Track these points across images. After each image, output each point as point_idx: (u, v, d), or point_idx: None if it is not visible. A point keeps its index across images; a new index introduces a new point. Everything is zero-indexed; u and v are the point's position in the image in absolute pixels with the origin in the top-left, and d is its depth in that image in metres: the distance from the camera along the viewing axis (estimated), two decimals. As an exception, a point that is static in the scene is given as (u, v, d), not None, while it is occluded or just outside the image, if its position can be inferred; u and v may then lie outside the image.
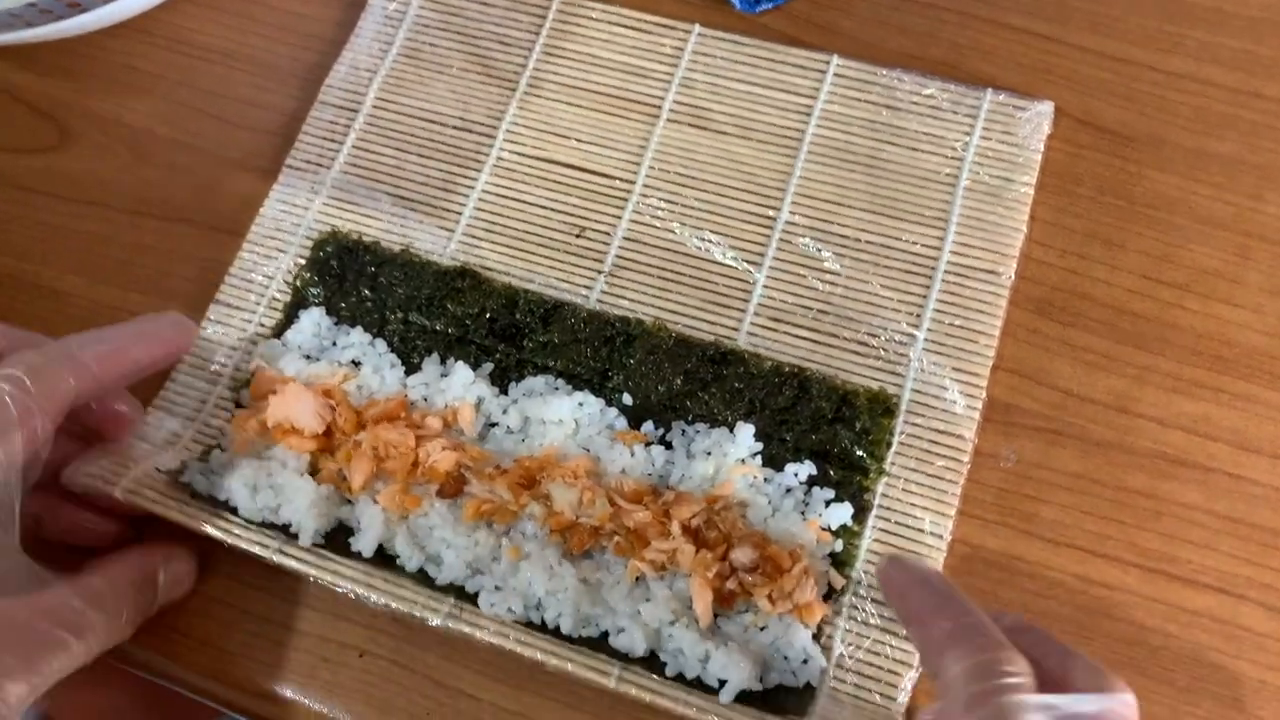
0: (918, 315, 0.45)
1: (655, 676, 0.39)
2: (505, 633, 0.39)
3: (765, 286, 0.47)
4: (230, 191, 0.51)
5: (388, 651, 0.43)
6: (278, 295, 0.48)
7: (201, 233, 0.50)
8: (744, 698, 0.38)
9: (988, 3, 0.51)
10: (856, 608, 0.41)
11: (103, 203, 0.52)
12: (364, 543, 0.42)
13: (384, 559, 0.42)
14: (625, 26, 0.52)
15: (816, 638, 0.40)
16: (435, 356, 0.46)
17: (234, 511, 0.42)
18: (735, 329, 0.46)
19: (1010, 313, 0.45)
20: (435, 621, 0.40)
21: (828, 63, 0.50)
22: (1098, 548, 0.42)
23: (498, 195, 0.49)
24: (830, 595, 0.41)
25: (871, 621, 0.40)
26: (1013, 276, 0.46)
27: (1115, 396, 0.44)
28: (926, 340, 0.45)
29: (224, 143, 0.52)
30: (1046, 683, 0.31)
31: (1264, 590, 0.41)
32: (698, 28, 0.51)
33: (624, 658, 0.39)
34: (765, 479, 0.43)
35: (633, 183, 0.49)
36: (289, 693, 0.42)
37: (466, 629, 0.39)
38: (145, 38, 0.55)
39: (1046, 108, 0.48)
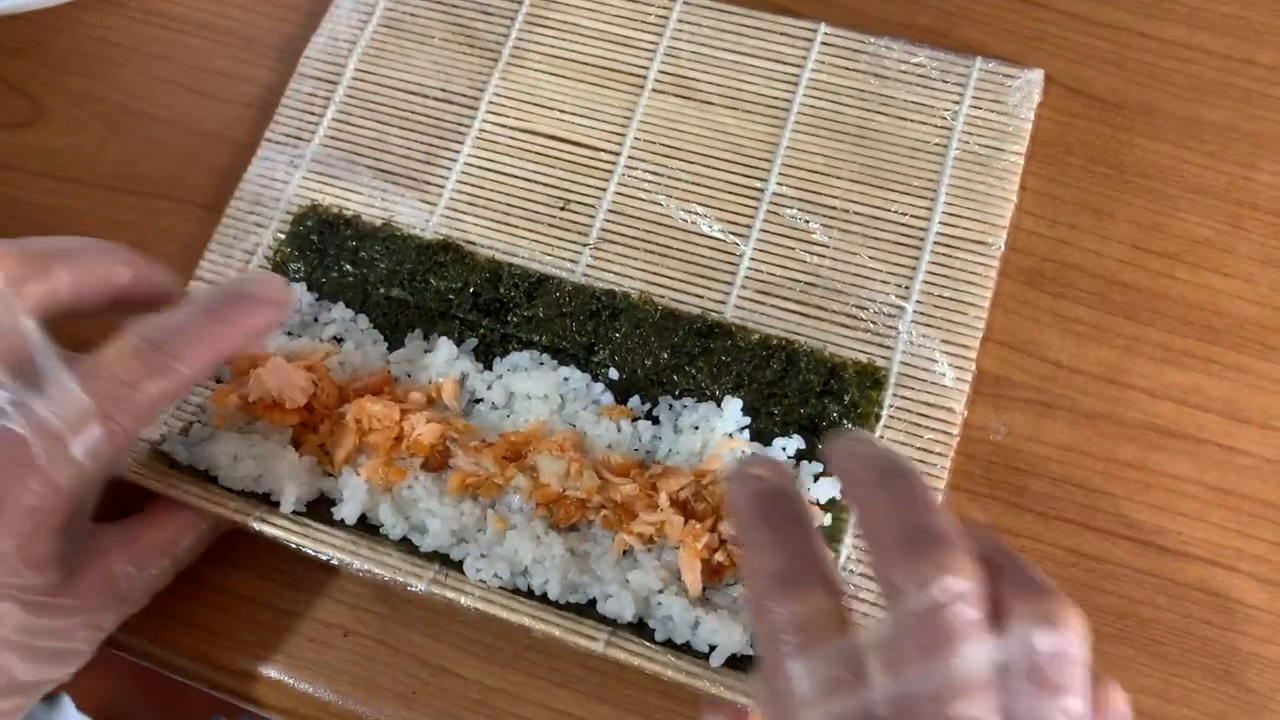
0: (906, 287, 0.45)
1: (644, 642, 0.38)
2: (491, 598, 0.39)
3: (752, 259, 0.46)
4: (209, 166, 0.50)
5: (373, 631, 0.42)
6: (258, 271, 0.47)
7: (180, 208, 0.50)
8: (735, 663, 0.38)
9: (977, -31, 0.51)
10: (846, 581, 0.40)
11: (78, 179, 0.51)
12: (346, 511, 0.41)
13: (367, 528, 0.42)
14: None
15: None
16: (418, 332, 0.45)
17: (214, 481, 0.42)
18: (722, 302, 0.45)
19: (1000, 284, 0.45)
20: (419, 587, 0.39)
21: (815, 31, 0.49)
22: (1088, 520, 0.42)
23: (480, 168, 0.49)
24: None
25: (861, 596, 0.40)
26: (1002, 247, 0.45)
27: (1105, 368, 0.44)
28: (915, 312, 0.44)
29: (201, 116, 0.51)
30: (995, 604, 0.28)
31: (1255, 562, 0.41)
32: None
33: (612, 624, 0.39)
34: (753, 453, 0.42)
35: (618, 154, 0.48)
36: (275, 673, 0.42)
37: (451, 595, 0.39)
38: (119, 10, 0.54)
39: (1036, 76, 0.47)
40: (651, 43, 0.50)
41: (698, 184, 0.47)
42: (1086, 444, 0.43)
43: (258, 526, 0.40)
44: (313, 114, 0.50)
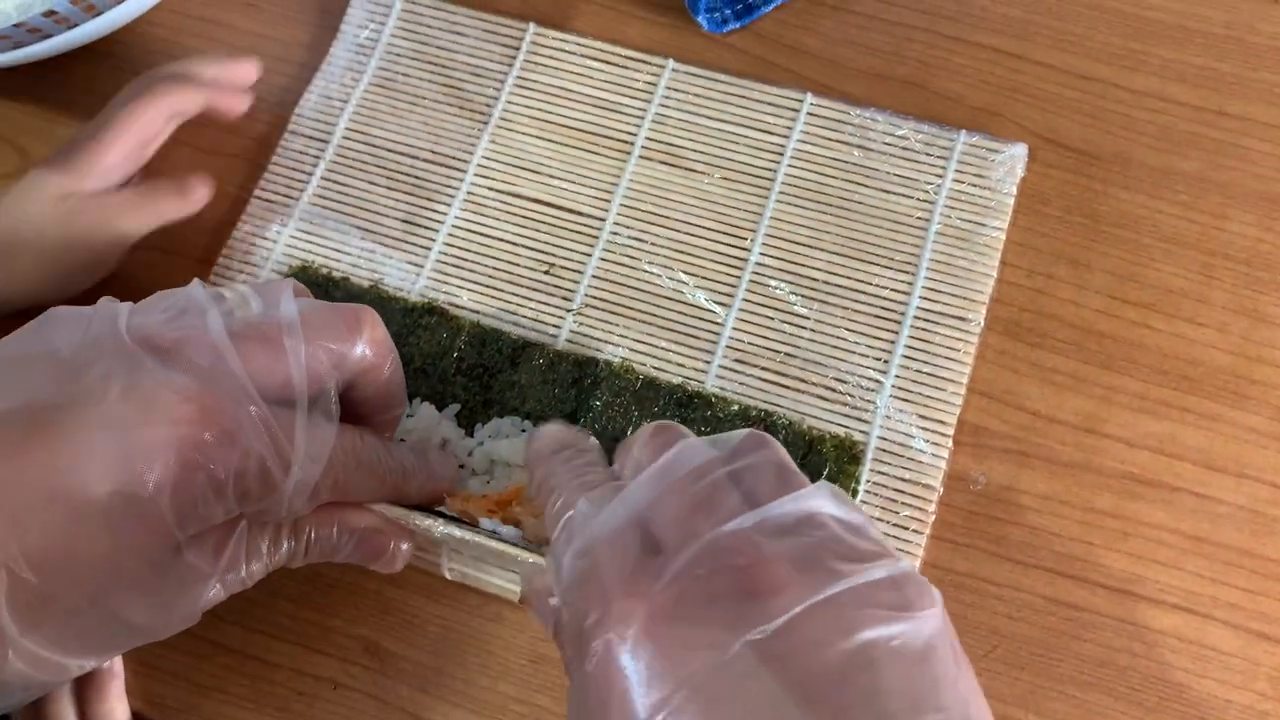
0: (886, 361, 0.45)
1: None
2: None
3: (734, 328, 0.46)
4: (201, 218, 0.50)
5: (362, 684, 0.43)
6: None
7: (170, 260, 0.50)
8: None
9: (954, 20, 0.52)
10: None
11: (68, 230, 0.51)
12: None
13: None
14: (598, 60, 0.51)
15: None
16: None
17: None
18: (704, 370, 0.46)
19: (981, 335, 0.46)
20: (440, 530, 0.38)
21: (801, 101, 0.50)
22: (1066, 568, 0.43)
23: (468, 230, 0.49)
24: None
25: None
26: (982, 324, 0.46)
27: (1083, 417, 0.45)
28: (894, 387, 0.45)
29: (192, 168, 0.51)
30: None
31: (1229, 609, 0.42)
32: (671, 63, 0.51)
33: None
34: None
35: (604, 219, 0.49)
36: (263, 726, 0.42)
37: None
38: (108, 60, 0.54)
39: (1020, 150, 0.48)
40: (640, 109, 0.50)
41: (682, 252, 0.48)
42: (1065, 493, 0.44)
43: None
44: (303, 172, 0.51)
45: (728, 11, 0.52)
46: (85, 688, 0.42)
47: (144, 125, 0.47)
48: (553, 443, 0.36)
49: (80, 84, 0.54)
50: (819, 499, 0.29)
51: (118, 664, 0.42)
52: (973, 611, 0.42)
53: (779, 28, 0.52)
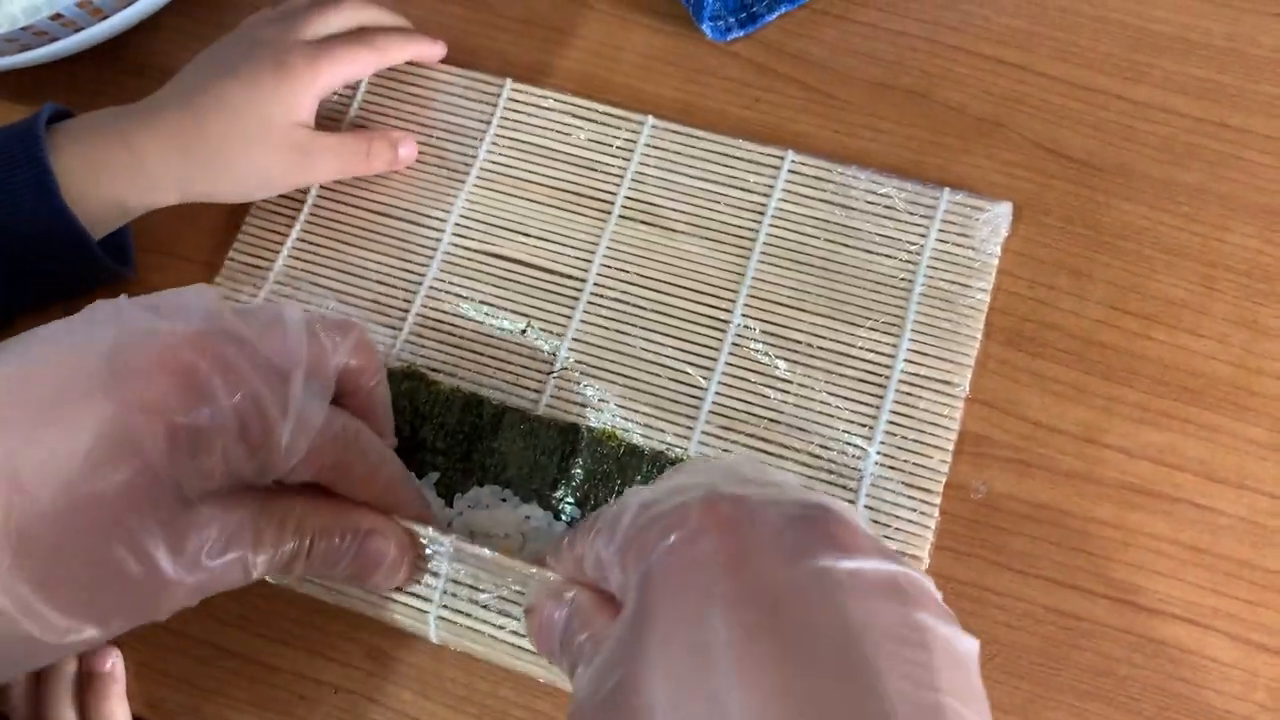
0: (870, 427, 0.45)
1: None
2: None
3: (717, 393, 0.45)
4: (201, 222, 0.51)
5: (363, 688, 0.43)
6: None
7: (177, 263, 0.50)
8: None
9: (958, 31, 0.52)
10: None
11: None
12: None
13: None
14: (576, 116, 0.51)
15: None
16: None
17: None
18: (686, 436, 0.45)
19: (982, 344, 0.46)
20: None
21: (782, 159, 0.49)
22: (1066, 578, 0.43)
23: (445, 292, 0.48)
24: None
25: None
26: (967, 389, 0.45)
27: (1083, 427, 0.45)
28: (878, 454, 0.44)
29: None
30: None
31: (1229, 620, 0.42)
32: (650, 120, 0.50)
33: None
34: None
35: (584, 280, 0.48)
36: (264, 730, 0.42)
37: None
38: (115, 63, 0.55)
39: (1004, 209, 0.47)
40: (619, 167, 0.49)
41: (664, 314, 0.47)
42: (1065, 503, 0.44)
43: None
44: (277, 233, 0.50)
45: (732, 20, 0.52)
46: (86, 691, 0.42)
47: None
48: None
49: (88, 85, 0.54)
50: None
51: (119, 667, 0.43)
52: (973, 620, 0.42)
53: (783, 36, 0.52)
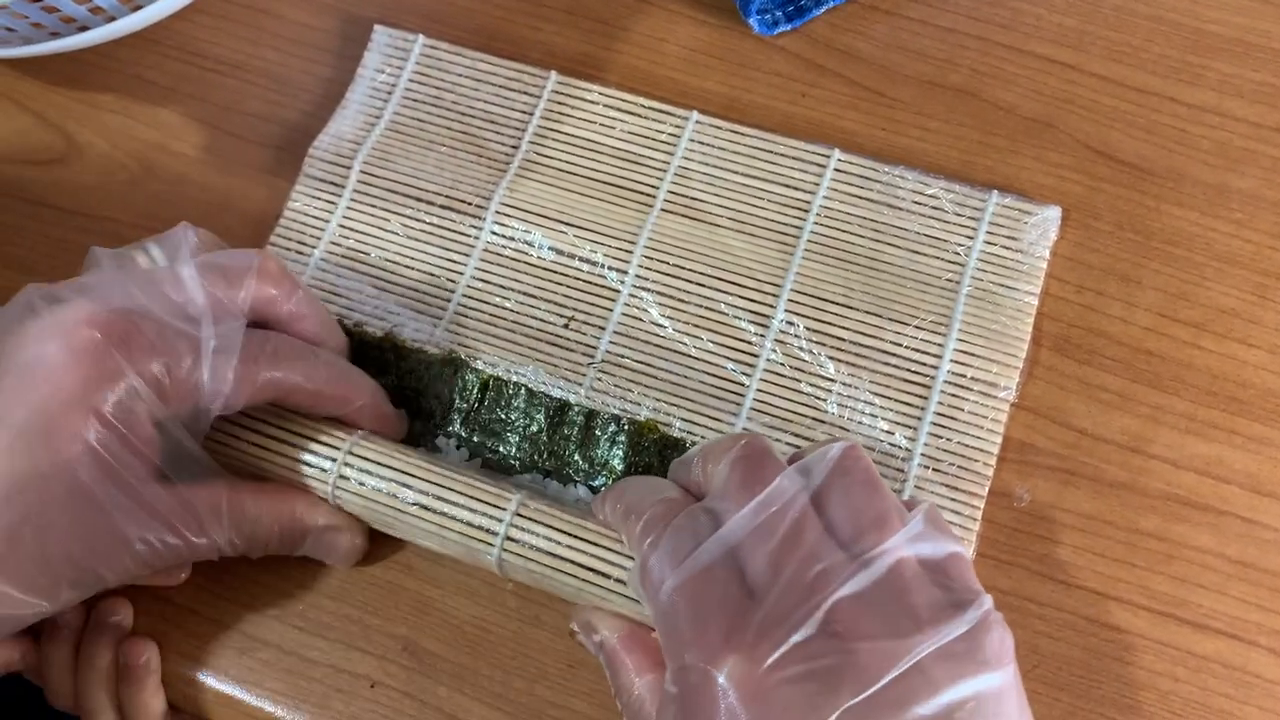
0: (914, 429, 0.44)
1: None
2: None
3: (759, 390, 0.45)
4: (240, 209, 0.51)
5: (399, 683, 0.43)
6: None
7: (212, 250, 0.50)
8: None
9: (1008, 29, 0.51)
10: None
11: (110, 217, 0.51)
12: None
13: None
14: (620, 110, 0.50)
15: None
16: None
17: None
18: (728, 431, 0.45)
19: (1029, 349, 0.45)
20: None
21: (828, 157, 0.48)
22: (1109, 590, 0.42)
23: (485, 281, 0.48)
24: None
25: None
26: (1014, 392, 0.44)
27: (1130, 437, 0.44)
28: (923, 455, 0.44)
29: (233, 158, 0.52)
30: None
31: (1274, 636, 0.41)
32: (695, 115, 0.49)
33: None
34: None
35: (625, 273, 0.47)
36: (300, 722, 0.43)
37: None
38: (155, 48, 0.54)
39: (1054, 213, 0.46)
40: (663, 161, 0.49)
41: (706, 309, 0.46)
42: (1109, 513, 0.43)
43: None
44: (318, 219, 0.49)
45: (779, 14, 0.51)
46: (122, 683, 0.42)
47: None
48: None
49: (126, 69, 0.54)
50: (901, 548, 0.32)
51: (155, 660, 0.43)
52: (1015, 630, 0.41)
53: (830, 31, 0.52)
